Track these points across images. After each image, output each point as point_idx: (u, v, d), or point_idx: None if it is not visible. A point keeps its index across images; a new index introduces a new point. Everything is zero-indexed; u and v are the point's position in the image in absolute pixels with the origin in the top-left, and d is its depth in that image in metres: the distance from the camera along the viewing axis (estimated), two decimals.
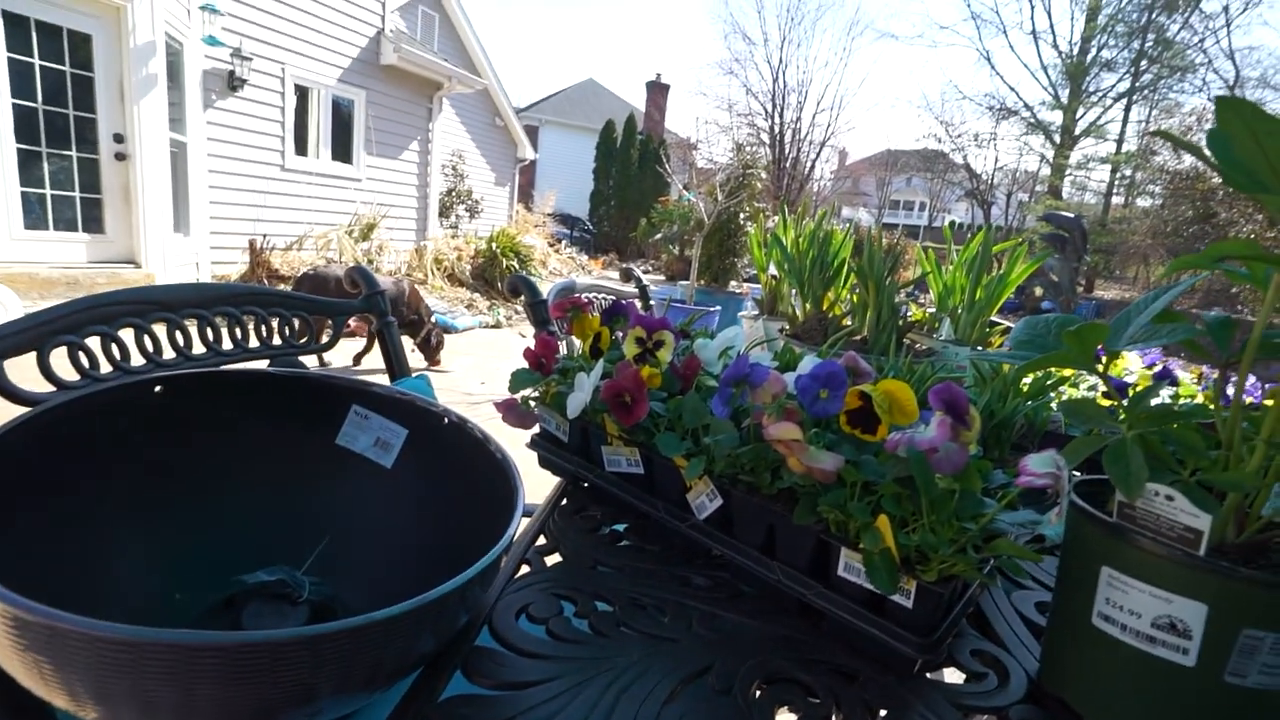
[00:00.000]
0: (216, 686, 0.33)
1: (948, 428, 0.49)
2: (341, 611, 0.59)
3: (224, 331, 0.81)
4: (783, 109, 18.82)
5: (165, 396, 0.60)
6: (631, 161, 15.88)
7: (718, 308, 4.37)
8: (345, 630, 0.36)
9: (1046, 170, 19.94)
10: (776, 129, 18.79)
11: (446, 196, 9.39)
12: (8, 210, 4.10)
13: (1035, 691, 0.51)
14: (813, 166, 19.55)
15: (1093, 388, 1.09)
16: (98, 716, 0.33)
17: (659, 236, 7.86)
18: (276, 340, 0.86)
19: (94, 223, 4.63)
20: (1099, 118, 18.96)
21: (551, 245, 9.74)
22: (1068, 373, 1.01)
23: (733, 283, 6.17)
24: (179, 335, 0.76)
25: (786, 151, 18.59)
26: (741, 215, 5.92)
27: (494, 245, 7.45)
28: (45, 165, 4.32)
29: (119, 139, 4.59)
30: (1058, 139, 19.06)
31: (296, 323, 0.87)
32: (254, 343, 0.84)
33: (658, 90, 20.68)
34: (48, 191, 4.36)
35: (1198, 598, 0.39)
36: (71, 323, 0.64)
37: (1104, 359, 0.50)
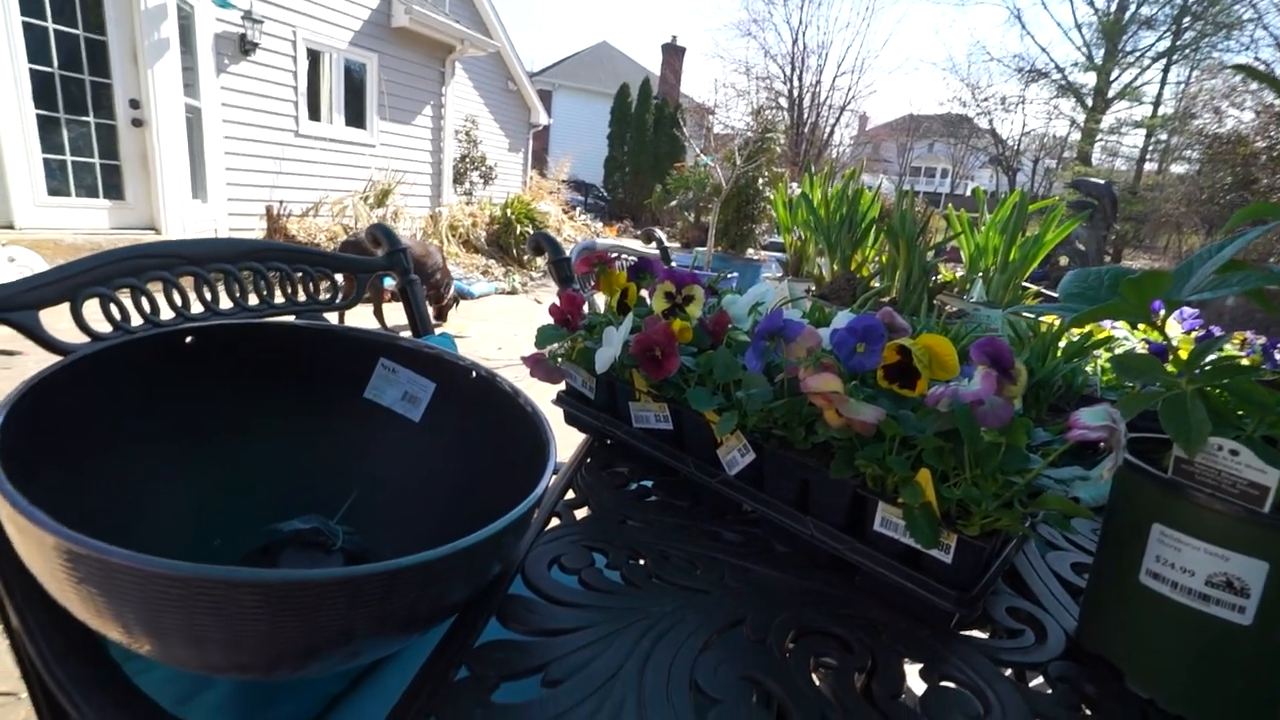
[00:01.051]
0: (261, 623, 0.33)
1: (993, 381, 0.48)
2: (374, 560, 0.60)
3: (250, 287, 0.80)
4: (802, 72, 18.33)
5: (196, 347, 0.60)
6: (647, 127, 15.59)
7: (734, 274, 4.32)
8: (383, 573, 0.36)
9: (1076, 135, 19.27)
10: (795, 93, 18.33)
11: (460, 163, 9.30)
12: (31, 177, 4.12)
13: (1074, 649, 0.50)
14: (832, 131, 19.11)
15: (1129, 352, 1.06)
16: (151, 650, 0.34)
17: (674, 203, 7.75)
18: (301, 296, 0.86)
19: (114, 189, 4.65)
20: (1135, 79, 18.17)
21: (565, 212, 9.64)
22: (1106, 334, 0.98)
23: (750, 249, 6.10)
24: (206, 290, 0.76)
25: (805, 116, 18.16)
26: (760, 180, 5.82)
27: (509, 212, 7.40)
28: (65, 132, 4.32)
29: (135, 104, 4.58)
30: (1090, 102, 18.37)
31: (322, 280, 0.87)
32: (279, 299, 0.84)
33: (673, 53, 20.17)
34: (68, 158, 4.37)
35: (1259, 555, 0.38)
36: (102, 275, 0.64)
37: (1161, 312, 0.48)
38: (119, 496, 0.54)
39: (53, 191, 4.31)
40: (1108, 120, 18.44)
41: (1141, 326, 1.22)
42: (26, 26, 3.96)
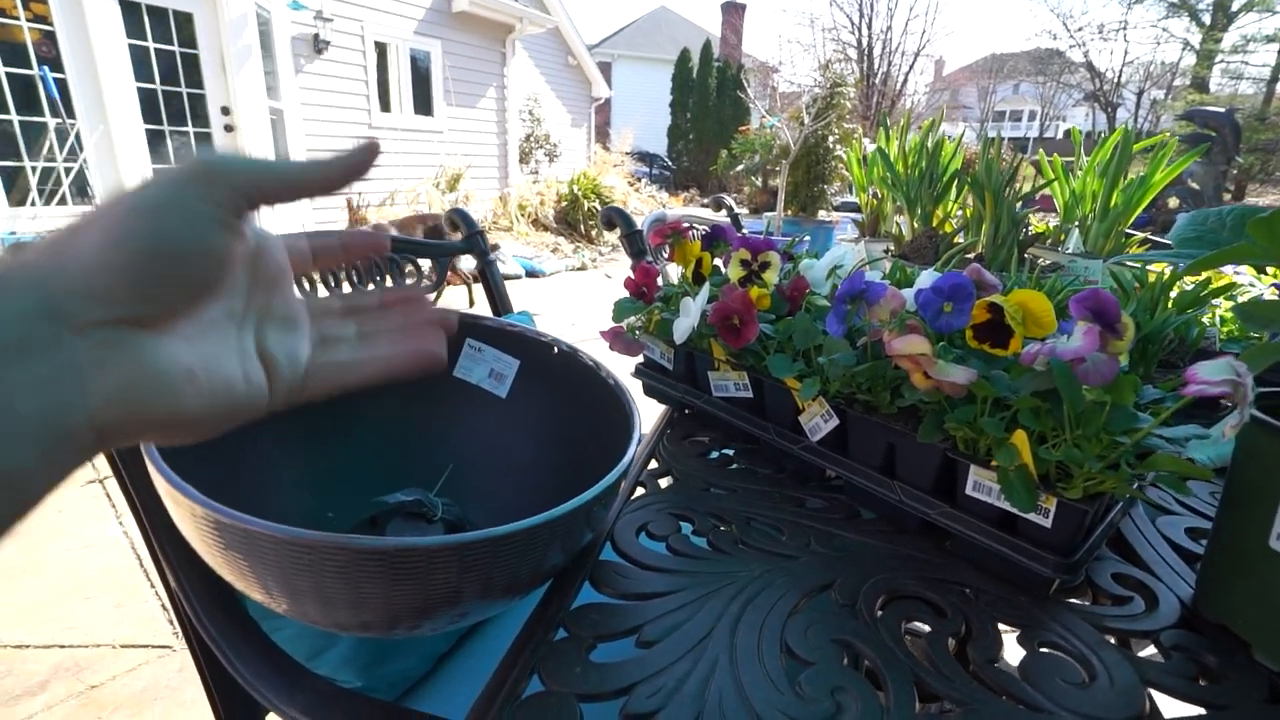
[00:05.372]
0: (381, 585, 0.36)
1: (1096, 336, 0.45)
2: (471, 529, 0.64)
3: (343, 277, 0.86)
4: (871, 18, 17.27)
5: None
6: (709, 91, 15.20)
7: (807, 238, 4.19)
8: (488, 539, 0.39)
9: (1190, 60, 17.26)
10: (864, 42, 17.32)
11: (525, 142, 9.42)
12: None
13: (1190, 618, 0.48)
14: (905, 80, 17.99)
15: (1256, 298, 0.96)
16: (287, 608, 0.38)
17: (740, 168, 7.58)
18: (389, 283, 0.91)
19: None
20: None
21: (631, 184, 9.60)
22: (1226, 281, 0.89)
23: (821, 211, 5.89)
24: (305, 283, 0.81)
25: (876, 66, 17.17)
26: (830, 138, 5.58)
27: (575, 188, 7.46)
28: (169, 143, 4.69)
29: (225, 111, 4.90)
30: (1208, 19, 16.35)
31: (406, 266, 0.92)
32: (370, 287, 0.89)
33: (734, 11, 19.50)
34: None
35: None
36: None
37: None
38: (256, 484, 0.60)
39: None
40: (1230, 38, 16.34)
41: (1271, 271, 1.10)
42: (131, 49, 4.30)
